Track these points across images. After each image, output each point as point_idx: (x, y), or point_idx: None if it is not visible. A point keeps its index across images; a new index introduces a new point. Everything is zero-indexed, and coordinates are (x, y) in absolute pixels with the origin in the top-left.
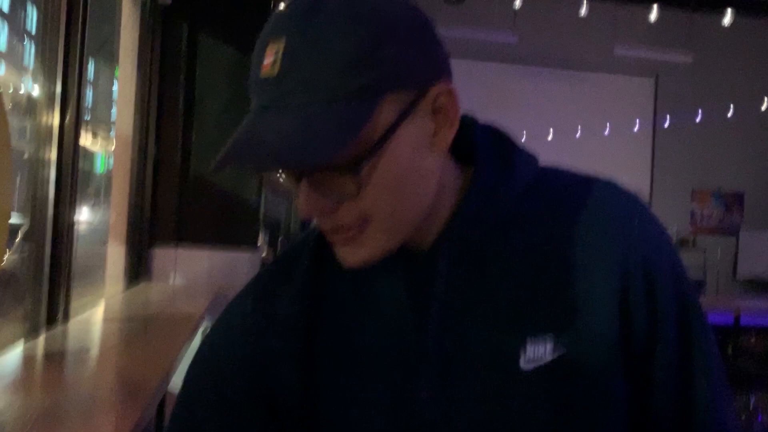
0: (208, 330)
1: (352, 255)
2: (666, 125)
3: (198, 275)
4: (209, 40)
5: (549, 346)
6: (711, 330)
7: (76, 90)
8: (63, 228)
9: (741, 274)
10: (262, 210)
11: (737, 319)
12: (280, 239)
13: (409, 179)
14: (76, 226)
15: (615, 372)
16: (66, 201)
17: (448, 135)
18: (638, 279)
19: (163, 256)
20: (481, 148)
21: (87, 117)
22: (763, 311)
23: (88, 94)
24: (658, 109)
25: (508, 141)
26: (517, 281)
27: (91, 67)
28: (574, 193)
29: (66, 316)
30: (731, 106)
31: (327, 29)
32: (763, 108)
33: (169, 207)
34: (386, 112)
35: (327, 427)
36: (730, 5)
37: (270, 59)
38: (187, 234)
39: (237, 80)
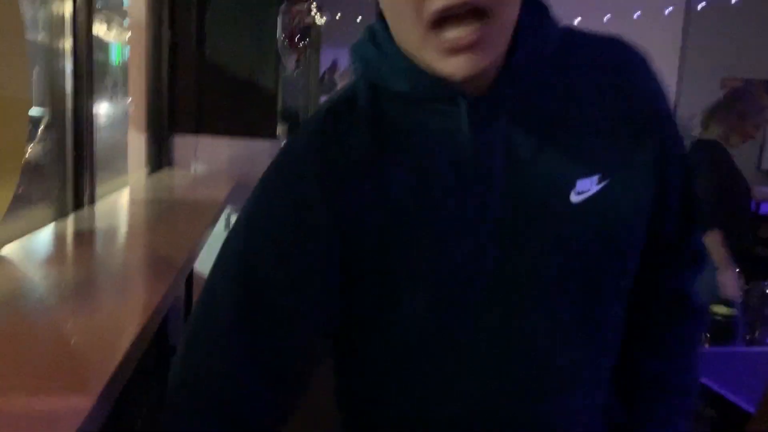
0: (279, 152)
1: (472, 61)
2: (699, 8)
3: (219, 163)
4: None
5: (595, 179)
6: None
7: None
8: (83, 117)
9: (765, 164)
10: (279, 101)
11: (758, 205)
12: (297, 130)
13: None
14: (95, 117)
15: (644, 216)
16: (83, 90)
17: None
18: (670, 140)
19: (183, 144)
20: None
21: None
22: None
23: None
24: None
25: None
26: (569, 126)
27: None
28: (606, 48)
29: (92, 200)
30: None
31: None
32: None
33: (188, 94)
34: None
35: (400, 270)
36: None
37: None
38: (207, 122)
39: None
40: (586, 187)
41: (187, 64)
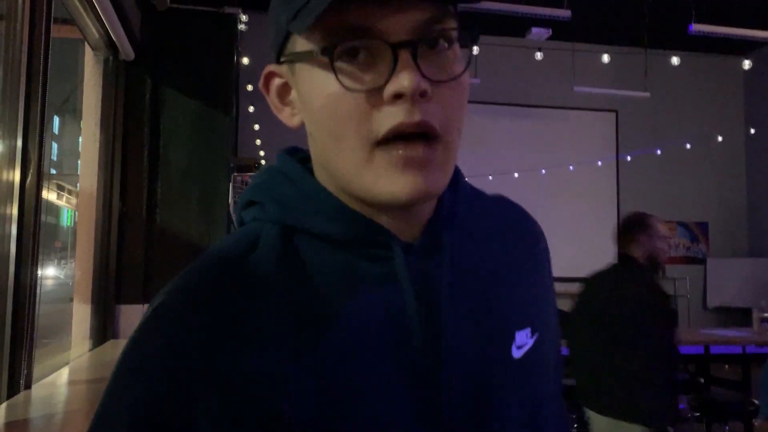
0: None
1: (422, 181)
2: (628, 158)
3: None
4: (173, 93)
5: (528, 332)
6: None
7: (37, 146)
8: (25, 290)
9: (711, 303)
10: None
11: (707, 348)
12: None
13: (463, 119)
14: (40, 284)
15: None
16: (28, 261)
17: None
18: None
19: (130, 312)
20: None
21: (53, 171)
22: (731, 340)
23: (54, 148)
24: (620, 144)
25: None
26: (498, 279)
27: (56, 122)
28: (508, 209)
29: (29, 383)
30: (689, 139)
31: None
32: (720, 139)
33: (136, 262)
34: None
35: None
36: (679, 44)
37: None
38: (155, 289)
39: (201, 132)
40: (524, 341)
41: (136, 233)
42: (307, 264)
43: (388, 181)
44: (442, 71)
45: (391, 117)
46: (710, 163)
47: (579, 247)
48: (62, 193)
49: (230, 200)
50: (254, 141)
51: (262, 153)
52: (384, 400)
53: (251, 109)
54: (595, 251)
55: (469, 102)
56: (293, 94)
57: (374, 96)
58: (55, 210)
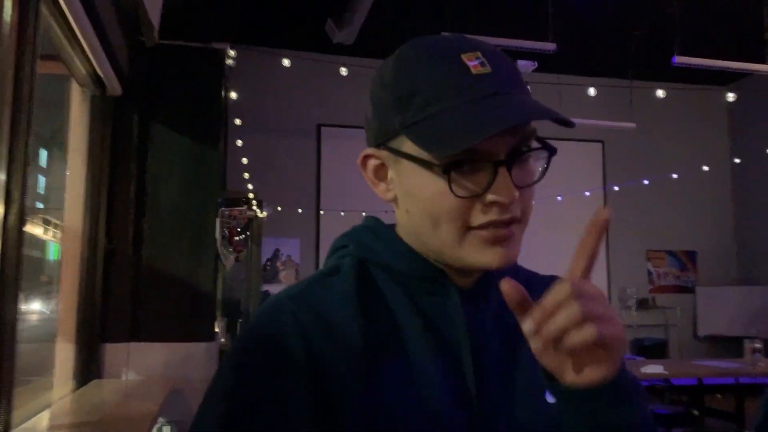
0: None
1: (507, 253)
2: (616, 189)
3: (152, 370)
4: (161, 128)
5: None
6: None
7: (20, 181)
8: (5, 328)
9: (702, 331)
10: (219, 296)
11: (700, 380)
12: (239, 322)
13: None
14: (20, 322)
15: None
16: (9, 298)
17: None
18: None
19: (115, 351)
20: None
21: (40, 205)
22: (724, 372)
23: (42, 182)
24: (607, 174)
25: None
26: None
27: (44, 156)
28: (547, 282)
29: (7, 429)
30: (675, 169)
31: (505, 56)
32: (705, 169)
33: (122, 300)
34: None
35: None
36: (664, 76)
37: (475, 62)
38: (141, 327)
39: (190, 167)
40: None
41: (123, 272)
42: (378, 288)
43: (479, 254)
44: (528, 177)
45: (486, 216)
46: (697, 192)
47: None
48: (48, 227)
49: (217, 235)
50: (242, 174)
51: (250, 186)
52: (436, 416)
53: (239, 143)
54: None
55: None
56: (391, 175)
57: (474, 200)
58: (41, 244)
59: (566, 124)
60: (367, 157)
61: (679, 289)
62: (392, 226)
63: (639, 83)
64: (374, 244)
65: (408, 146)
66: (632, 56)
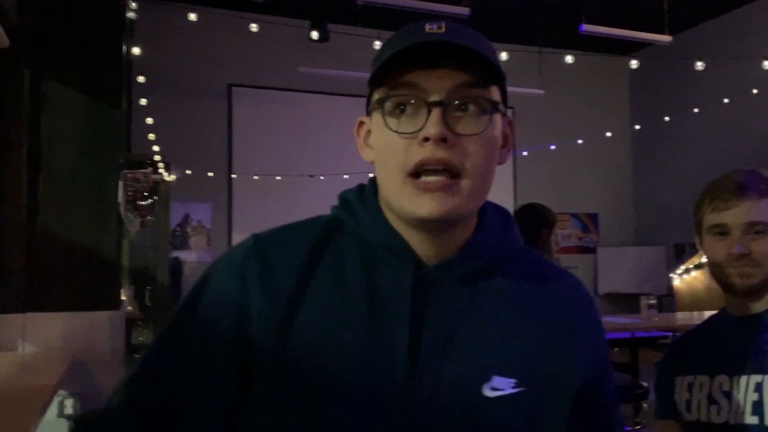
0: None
1: (440, 203)
2: (525, 153)
3: (51, 341)
4: (55, 85)
5: (511, 382)
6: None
7: None
8: None
9: (601, 290)
10: (126, 263)
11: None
12: (147, 289)
13: (490, 162)
14: None
15: (560, 423)
16: None
17: (506, 156)
18: (598, 373)
19: (9, 322)
20: (493, 208)
21: None
22: (622, 327)
23: None
24: (516, 140)
25: (510, 215)
26: (496, 321)
27: None
28: (555, 271)
29: None
30: (580, 135)
31: (470, 30)
32: (608, 135)
33: (16, 269)
34: (497, 93)
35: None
36: (572, 44)
37: (433, 26)
38: (38, 297)
39: (88, 127)
40: (502, 387)
41: (16, 239)
42: (340, 249)
43: (414, 202)
44: (469, 127)
45: (419, 154)
46: (600, 157)
47: None
48: None
49: (120, 199)
50: (147, 136)
51: (156, 148)
52: (351, 389)
53: (143, 101)
54: None
55: (359, 96)
56: (371, 138)
57: (412, 138)
58: None
59: (494, 70)
60: (360, 124)
61: (582, 249)
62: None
63: (548, 50)
64: (356, 206)
65: (373, 97)
66: (542, 24)
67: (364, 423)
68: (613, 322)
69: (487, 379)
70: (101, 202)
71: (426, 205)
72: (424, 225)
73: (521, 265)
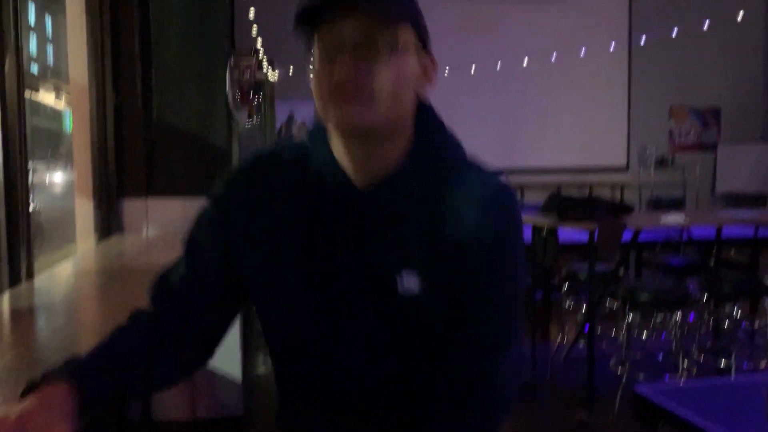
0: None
1: (359, 114)
2: (642, 43)
3: (171, 225)
4: None
5: (416, 281)
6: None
7: (12, 33)
8: (17, 184)
9: (719, 189)
10: (236, 157)
11: (719, 231)
12: None
13: (403, 86)
14: (48, 186)
15: (445, 314)
16: (16, 156)
17: (425, 86)
18: (477, 260)
19: (133, 207)
20: (426, 119)
21: (43, 71)
22: (742, 223)
23: (48, 50)
24: (633, 28)
25: (443, 127)
26: (407, 223)
27: (49, 21)
28: (482, 180)
29: (30, 274)
30: (706, 20)
31: None
32: (739, 19)
33: (136, 157)
34: (410, 33)
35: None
36: None
37: None
38: (157, 184)
39: (194, 17)
40: (411, 286)
41: (134, 126)
42: (285, 171)
43: (333, 110)
44: (373, 65)
45: (333, 80)
46: (727, 44)
47: (589, 135)
48: (60, 94)
49: (227, 88)
50: (250, 31)
51: (259, 40)
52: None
53: None
54: (605, 140)
55: None
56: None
57: (330, 78)
58: (58, 116)
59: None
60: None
61: (700, 147)
62: None
63: None
64: (316, 132)
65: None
66: None
67: (302, 308)
68: (735, 215)
69: (400, 275)
70: (210, 92)
71: (339, 111)
72: (340, 131)
73: (442, 172)
